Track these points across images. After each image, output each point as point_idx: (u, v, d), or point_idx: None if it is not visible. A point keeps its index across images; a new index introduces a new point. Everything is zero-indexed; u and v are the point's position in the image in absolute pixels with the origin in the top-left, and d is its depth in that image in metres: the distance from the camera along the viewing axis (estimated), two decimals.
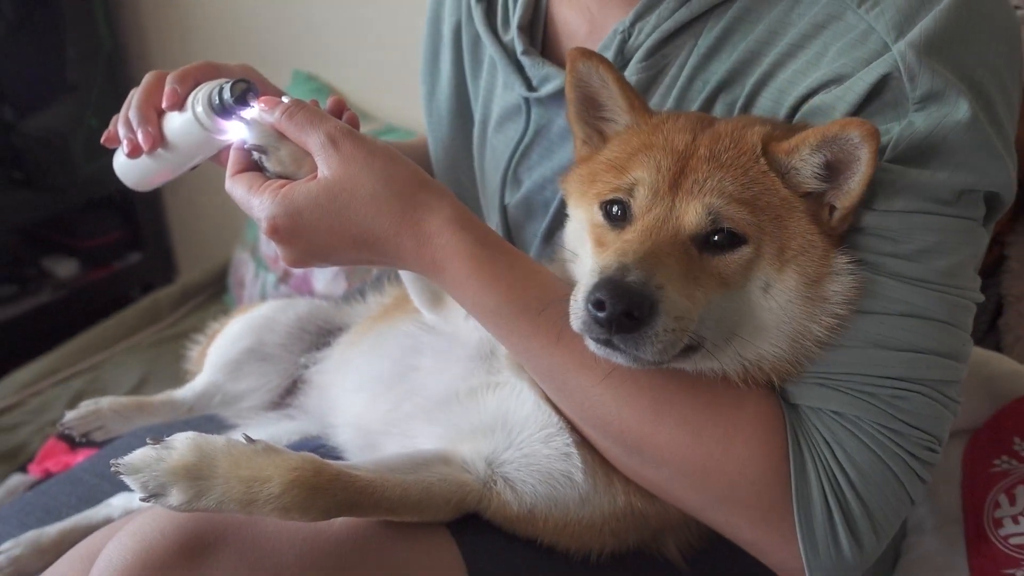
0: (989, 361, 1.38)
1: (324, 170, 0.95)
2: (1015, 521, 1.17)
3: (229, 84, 1.01)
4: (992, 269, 1.56)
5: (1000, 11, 0.95)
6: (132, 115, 1.10)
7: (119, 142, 1.13)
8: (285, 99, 0.99)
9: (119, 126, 1.12)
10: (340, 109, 1.04)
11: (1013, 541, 1.15)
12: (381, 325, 1.24)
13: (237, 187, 0.99)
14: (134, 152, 1.10)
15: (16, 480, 2.07)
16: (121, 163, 1.16)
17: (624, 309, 0.81)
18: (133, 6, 3.05)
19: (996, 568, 1.14)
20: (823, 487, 0.89)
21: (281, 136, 0.98)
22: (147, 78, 1.12)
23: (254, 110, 1.00)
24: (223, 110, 1.01)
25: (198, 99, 1.04)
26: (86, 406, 1.33)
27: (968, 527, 1.21)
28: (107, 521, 1.30)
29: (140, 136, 1.09)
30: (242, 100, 1.01)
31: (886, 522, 0.90)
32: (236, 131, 1.02)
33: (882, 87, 0.90)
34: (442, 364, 1.08)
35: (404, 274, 1.12)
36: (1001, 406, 1.32)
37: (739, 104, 1.01)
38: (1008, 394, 1.33)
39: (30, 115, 2.92)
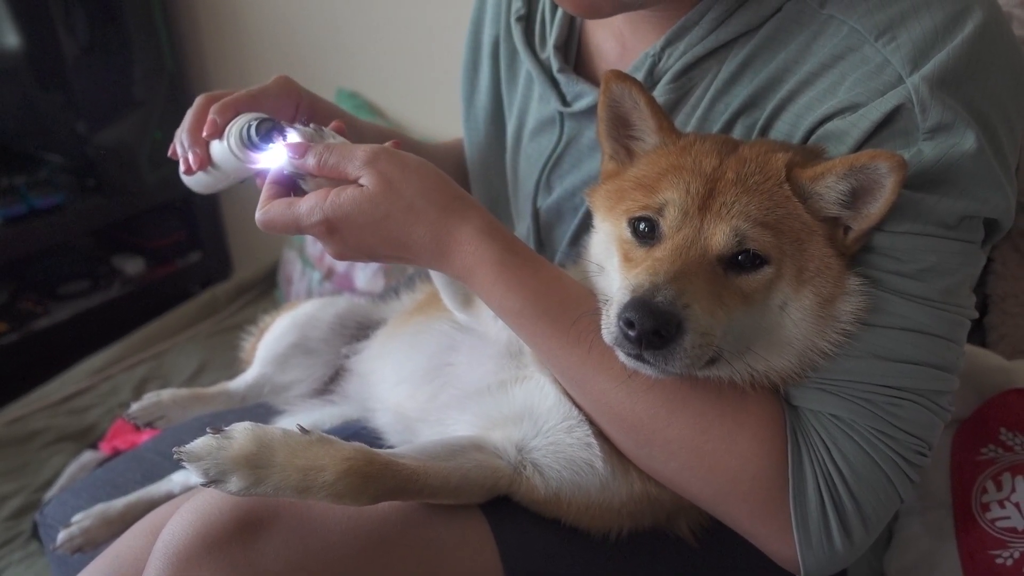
0: (976, 357, 1.35)
1: (365, 183, 0.94)
2: (1001, 505, 1.15)
3: (256, 122, 1.03)
4: None
5: (1008, 48, 0.92)
6: (183, 138, 1.11)
7: None
8: (299, 130, 1.00)
9: (176, 145, 1.13)
10: (341, 129, 1.05)
11: (1000, 524, 1.13)
12: (417, 318, 1.22)
13: (274, 209, 0.98)
14: (187, 171, 1.12)
15: (88, 457, 2.08)
16: (182, 173, 1.17)
17: (653, 328, 0.79)
18: (193, 30, 3.06)
19: (984, 549, 1.12)
20: (819, 484, 0.87)
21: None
22: (197, 102, 1.12)
23: (281, 148, 1.00)
24: (252, 145, 1.03)
25: (231, 133, 1.05)
26: (148, 398, 1.33)
27: (957, 511, 1.19)
28: (168, 496, 1.30)
29: (190, 157, 1.10)
30: (268, 137, 1.02)
31: (876, 518, 0.89)
32: (267, 161, 1.03)
33: (894, 116, 0.87)
34: (475, 360, 1.07)
35: (436, 277, 1.10)
36: (987, 398, 1.29)
37: (758, 126, 0.99)
38: (994, 387, 1.30)
39: (101, 129, 2.93)
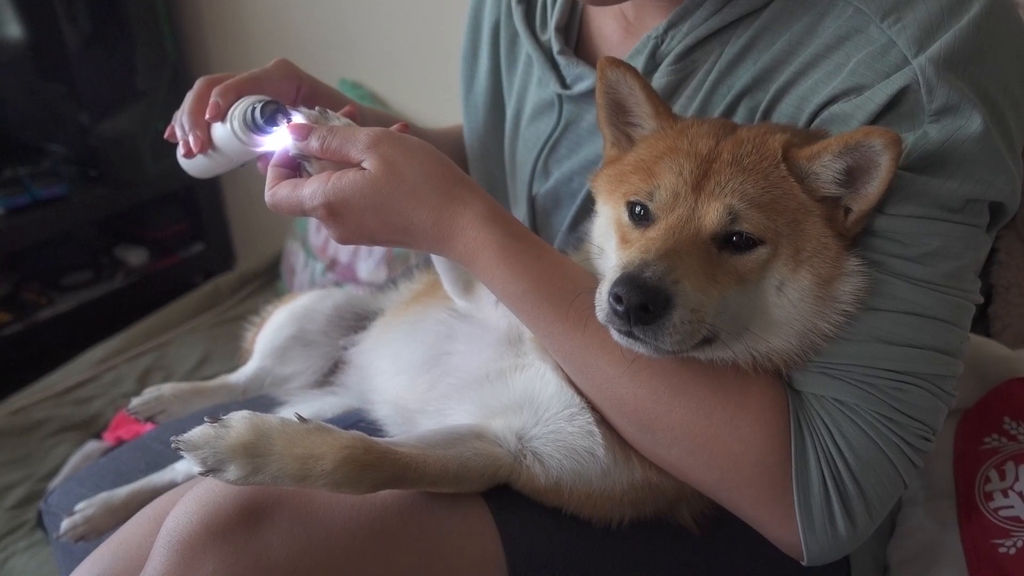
0: (980, 346, 1.35)
1: (368, 167, 0.94)
2: (1004, 495, 1.15)
3: (261, 105, 1.02)
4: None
5: (1013, 30, 0.91)
6: (184, 120, 1.10)
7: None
8: (304, 112, 0.99)
9: (176, 127, 1.13)
10: (352, 114, 1.04)
11: (1003, 513, 1.13)
12: (414, 307, 1.22)
13: (280, 191, 0.98)
14: (188, 154, 1.11)
15: (91, 446, 2.09)
16: (181, 157, 1.17)
17: (639, 303, 0.79)
18: (195, 21, 3.06)
19: (987, 538, 1.12)
20: (821, 469, 0.87)
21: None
22: (198, 85, 1.11)
23: (285, 131, 0.99)
24: (256, 127, 1.02)
25: (235, 115, 1.04)
26: (149, 393, 1.33)
27: (960, 500, 1.19)
28: (171, 484, 1.30)
29: (191, 140, 1.09)
30: (272, 120, 1.01)
31: (879, 503, 0.88)
32: (270, 144, 1.02)
33: (900, 98, 0.86)
34: (474, 349, 1.06)
35: (437, 263, 1.10)
36: (991, 388, 1.29)
37: (761, 109, 0.98)
38: (997, 377, 1.29)
39: (104, 119, 2.94)
